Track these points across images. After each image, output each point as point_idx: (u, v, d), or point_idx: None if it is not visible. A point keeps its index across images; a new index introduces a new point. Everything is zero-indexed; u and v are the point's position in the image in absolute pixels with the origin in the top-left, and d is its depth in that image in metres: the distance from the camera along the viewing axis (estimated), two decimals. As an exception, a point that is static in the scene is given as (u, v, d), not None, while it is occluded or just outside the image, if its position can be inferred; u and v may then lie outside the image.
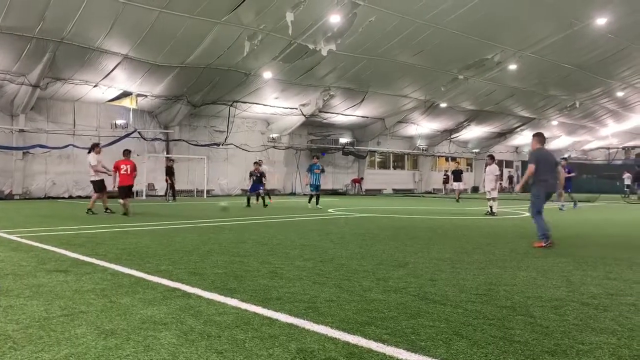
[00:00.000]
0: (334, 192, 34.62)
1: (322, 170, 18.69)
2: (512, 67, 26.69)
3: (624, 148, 48.17)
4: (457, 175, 25.67)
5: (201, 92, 25.11)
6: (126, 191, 13.85)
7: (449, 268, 5.79)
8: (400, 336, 3.24)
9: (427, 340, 3.17)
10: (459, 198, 25.42)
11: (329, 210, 16.91)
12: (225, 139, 28.87)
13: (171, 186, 23.22)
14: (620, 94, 35.06)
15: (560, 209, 16.99)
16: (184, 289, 4.55)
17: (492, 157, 15.96)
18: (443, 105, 32.68)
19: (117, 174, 13.86)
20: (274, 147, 31.42)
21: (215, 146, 28.81)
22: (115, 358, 2.84)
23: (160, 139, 27.56)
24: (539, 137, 8.56)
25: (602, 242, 8.68)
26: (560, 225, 11.44)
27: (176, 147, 27.71)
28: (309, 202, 18.32)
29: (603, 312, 3.94)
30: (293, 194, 32.73)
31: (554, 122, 40.91)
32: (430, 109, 33.19)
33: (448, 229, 10.79)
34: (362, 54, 23.53)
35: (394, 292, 4.53)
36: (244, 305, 3.96)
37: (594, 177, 42.73)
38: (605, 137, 46.89)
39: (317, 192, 18.04)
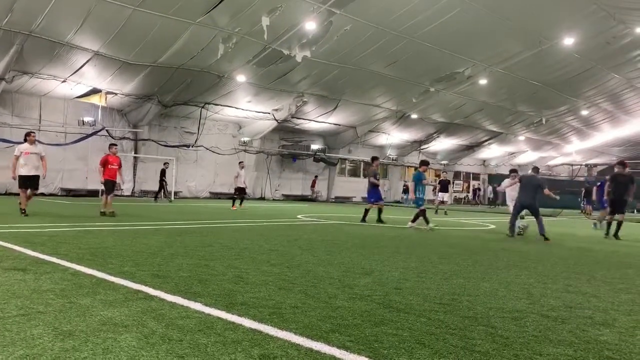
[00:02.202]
0: (303, 198, 34.62)
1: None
2: (482, 81, 27.26)
3: (586, 165, 49.59)
4: (444, 186, 25.65)
5: (172, 93, 24.83)
6: (112, 186, 13.50)
7: (415, 277, 5.85)
8: (363, 344, 3.25)
9: (390, 348, 3.19)
10: (438, 209, 24.85)
11: (298, 216, 16.89)
12: (196, 141, 28.59)
13: (162, 187, 23.87)
14: (584, 112, 36.16)
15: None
16: (146, 291, 4.47)
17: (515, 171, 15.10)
18: (414, 116, 33.10)
19: (105, 168, 13.41)
20: (245, 150, 31.25)
21: (185, 147, 28.49)
22: (72, 360, 2.77)
23: (129, 138, 27.12)
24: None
25: (563, 255, 8.90)
26: (525, 239, 11.69)
27: (145, 147, 27.30)
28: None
29: (561, 324, 4.04)
30: (262, 198, 32.59)
31: (521, 138, 41.87)
32: (401, 119, 33.58)
33: (415, 238, 10.90)
34: (336, 62, 23.68)
35: (359, 299, 4.55)
36: (208, 310, 3.92)
37: (557, 193, 43.85)
38: (569, 153, 48.22)
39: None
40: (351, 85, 26.74)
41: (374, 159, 16.31)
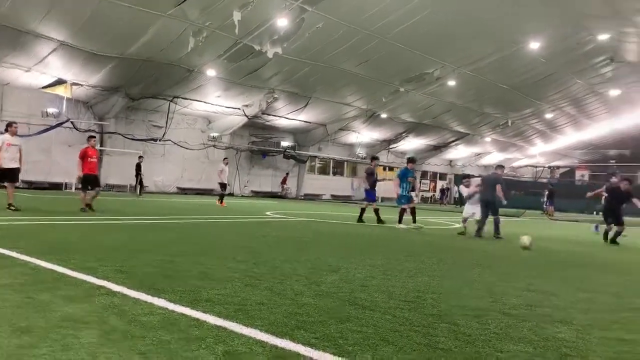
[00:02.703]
0: (273, 195, 34.52)
1: None
2: (451, 83, 27.67)
3: (549, 167, 50.88)
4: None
5: (140, 85, 24.40)
6: (93, 180, 12.85)
7: (381, 275, 5.90)
8: (328, 340, 3.26)
9: (355, 345, 3.21)
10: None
11: (267, 213, 16.83)
12: (163, 135, 28.15)
13: (140, 182, 23.66)
14: (549, 115, 37.13)
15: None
16: (109, 287, 4.38)
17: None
18: (384, 115, 33.38)
19: (84, 162, 12.63)
20: (214, 146, 30.94)
21: (152, 141, 28.01)
22: (30, 357, 2.69)
23: (94, 131, 26.48)
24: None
25: (525, 255, 9.11)
26: (489, 239, 11.92)
27: (111, 140, 26.74)
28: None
29: (522, 322, 4.13)
30: (231, 194, 32.33)
31: (487, 139, 42.70)
32: (371, 118, 33.81)
33: (382, 237, 11.00)
34: (307, 59, 23.66)
35: (326, 296, 4.56)
36: (172, 306, 3.86)
37: (521, 194, 44.72)
38: (533, 155, 49.41)
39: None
40: (322, 83, 26.77)
41: (373, 158, 16.07)
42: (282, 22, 19.94)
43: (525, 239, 9.74)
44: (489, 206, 12.37)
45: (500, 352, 3.27)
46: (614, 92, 32.88)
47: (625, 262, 9.08)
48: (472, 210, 12.86)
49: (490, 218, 12.23)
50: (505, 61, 25.50)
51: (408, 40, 22.26)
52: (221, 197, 20.29)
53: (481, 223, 12.29)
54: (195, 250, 6.98)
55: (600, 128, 42.40)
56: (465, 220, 12.96)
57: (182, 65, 23.03)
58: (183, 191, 29.72)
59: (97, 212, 12.30)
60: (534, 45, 23.58)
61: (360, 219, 14.57)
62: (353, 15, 20.19)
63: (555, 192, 31.42)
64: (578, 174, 48.60)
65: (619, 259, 9.59)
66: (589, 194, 16.72)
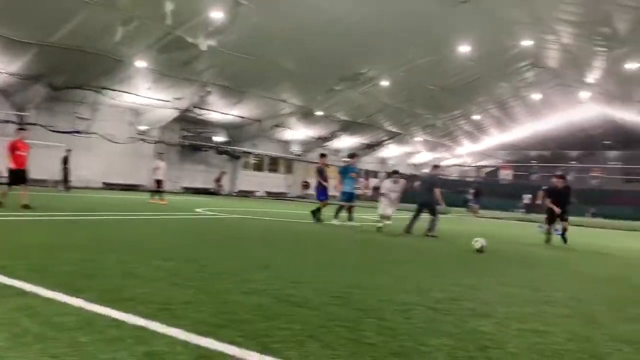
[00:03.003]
0: (205, 192, 33.87)
1: None
2: (384, 83, 28.22)
3: (476, 166, 53.06)
4: None
5: (64, 75, 23.19)
6: (22, 176, 11.87)
7: (312, 271, 5.90)
8: (253, 338, 3.21)
9: (280, 342, 3.18)
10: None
11: (198, 210, 16.47)
12: (89, 128, 26.89)
13: (65, 176, 22.71)
14: (475, 117, 38.69)
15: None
16: (21, 287, 4.10)
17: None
18: (318, 113, 33.55)
19: (13, 155, 11.72)
20: (143, 140, 29.91)
21: (76, 134, 26.69)
22: None
23: (13, 122, 24.91)
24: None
25: (453, 251, 9.42)
26: (419, 236, 12.23)
27: (31, 132, 25.20)
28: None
29: (445, 315, 4.25)
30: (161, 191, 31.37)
31: (418, 139, 43.94)
32: (306, 115, 33.90)
33: (317, 233, 11.03)
34: (242, 54, 23.35)
35: (254, 294, 4.50)
36: (90, 306, 3.67)
37: (449, 192, 46.41)
38: (460, 155, 51.37)
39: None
40: (257, 78, 26.53)
41: (322, 155, 15.26)
42: (217, 14, 19.57)
43: (478, 243, 9.11)
44: (426, 207, 12.42)
45: (424, 346, 3.34)
46: (535, 96, 34.72)
47: (545, 258, 9.58)
48: (389, 207, 12.72)
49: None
50: (436, 64, 26.32)
51: (343, 39, 22.47)
52: (155, 193, 19.66)
53: (412, 222, 12.42)
54: (120, 248, 6.70)
55: (523, 130, 44.71)
56: (382, 217, 12.63)
57: (110, 55, 22.11)
58: (109, 186, 28.55)
59: (34, 208, 11.45)
60: (464, 49, 24.46)
61: (317, 218, 13.98)
62: (289, 12, 20.14)
63: (480, 191, 32.82)
64: (502, 173, 50.95)
65: (541, 254, 10.11)
66: (537, 201, 16.94)
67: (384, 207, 12.83)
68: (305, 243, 8.84)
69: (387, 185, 13.21)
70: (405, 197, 13.80)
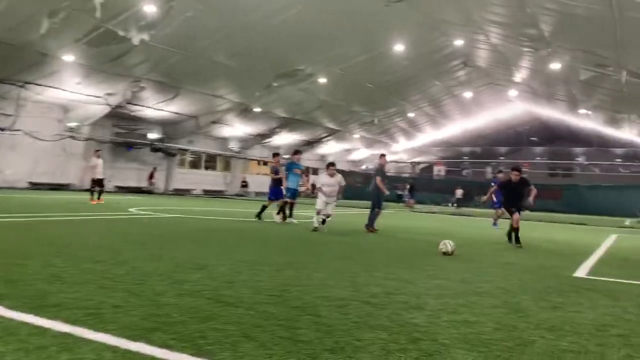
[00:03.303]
0: (139, 190, 32.83)
1: None
2: (322, 80, 28.35)
3: (411, 163, 54.43)
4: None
5: (-17, 68, 21.76)
6: None
7: (248, 270, 5.85)
8: (187, 341, 3.14)
9: (215, 343, 3.13)
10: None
11: (131, 209, 15.95)
12: (13, 124, 25.39)
13: None
14: (411, 115, 39.63)
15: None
16: None
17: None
18: (257, 109, 33.26)
19: None
20: (71, 137, 28.58)
21: (-1, 131, 25.16)
22: None
23: None
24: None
25: (390, 246, 9.61)
26: (357, 231, 12.40)
27: (-53, 129, 23.56)
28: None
29: (380, 309, 4.33)
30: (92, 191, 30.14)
31: (356, 135, 44.51)
32: (244, 112, 33.52)
33: (253, 231, 10.95)
34: (177, 49, 22.75)
35: (188, 295, 4.40)
36: (10, 314, 3.47)
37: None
38: (397, 152, 52.52)
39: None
40: (193, 74, 25.93)
41: (274, 154, 15.09)
42: (150, 8, 18.95)
43: (446, 246, 8.42)
44: (372, 199, 12.52)
45: (358, 341, 3.38)
46: (467, 94, 35.98)
47: (475, 250, 9.93)
48: (326, 203, 11.80)
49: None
50: (372, 62, 26.70)
51: (280, 35, 22.36)
52: (93, 193, 18.84)
53: (371, 215, 12.34)
54: (48, 251, 6.38)
55: (455, 127, 46.23)
56: (319, 212, 11.76)
57: (35, 48, 20.93)
58: (35, 186, 27.09)
59: None
60: (399, 47, 24.96)
61: (287, 216, 13.89)
62: (225, 7, 19.81)
63: (415, 186, 33.76)
64: (436, 169, 52.57)
65: (471, 246, 10.47)
66: (484, 198, 17.58)
67: (320, 202, 11.82)
68: (242, 242, 8.75)
69: (322, 179, 12.19)
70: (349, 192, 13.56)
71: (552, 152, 52.25)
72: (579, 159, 47.97)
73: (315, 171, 51.12)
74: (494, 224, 16.79)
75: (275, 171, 14.31)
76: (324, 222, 11.69)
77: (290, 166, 13.87)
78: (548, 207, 35.64)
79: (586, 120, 35.94)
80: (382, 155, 13.24)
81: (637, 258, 10.05)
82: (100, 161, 19.26)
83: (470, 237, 12.77)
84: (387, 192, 12.72)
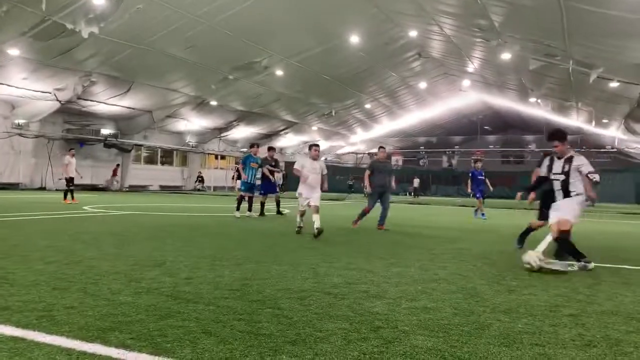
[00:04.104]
0: (93, 188, 31.92)
1: None
2: (279, 73, 28.18)
3: (369, 154, 54.89)
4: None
5: None
6: None
7: (207, 265, 5.78)
8: (145, 340, 3.08)
9: (174, 341, 3.08)
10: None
11: (85, 207, 15.49)
12: (-45, 122, 24.24)
13: None
14: (368, 106, 39.91)
15: None
16: None
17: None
18: (213, 103, 32.81)
19: None
20: (20, 134, 27.50)
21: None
22: None
23: None
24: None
25: (347, 235, 9.66)
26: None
27: None
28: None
29: (341, 300, 4.35)
30: (43, 188, 29.16)
31: (314, 128, 44.52)
32: (200, 105, 33.00)
33: (212, 226, 10.82)
34: (128, 42, 22.14)
35: (146, 293, 4.32)
36: (-44, 320, 3.32)
37: (345, 179, 47.63)
38: (355, 143, 52.86)
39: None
40: (145, 67, 25.32)
41: (269, 149, 15.02)
42: (98, 0, 18.35)
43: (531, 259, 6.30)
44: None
45: (320, 332, 3.40)
46: (422, 85, 36.48)
47: (432, 237, 10.12)
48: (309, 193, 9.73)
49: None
50: (328, 54, 26.70)
51: (235, 27, 22.07)
52: (67, 192, 18.24)
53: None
54: (-7, 253, 6.13)
55: (411, 117, 46.86)
56: (302, 213, 10.00)
57: (-23, 42, 20.00)
58: (-18, 186, 26.00)
59: None
60: (354, 39, 25.04)
61: (279, 212, 14.16)
62: (177, -2, 19.39)
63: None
64: (393, 159, 53.19)
65: (420, 235, 10.66)
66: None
67: (302, 188, 9.74)
68: (200, 237, 8.63)
69: (302, 161, 9.96)
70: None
71: (504, 140, 53.70)
72: (530, 146, 49.45)
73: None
74: (482, 214, 16.63)
75: (266, 165, 14.31)
76: (319, 233, 8.99)
77: (247, 160, 13.83)
78: (503, 194, 36.69)
79: (536, 109, 37.04)
80: (382, 147, 12.05)
81: (585, 242, 10.46)
82: (73, 160, 18.65)
83: (424, 226, 13.00)
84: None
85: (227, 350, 2.95)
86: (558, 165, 6.77)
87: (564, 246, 6.64)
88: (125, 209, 15.18)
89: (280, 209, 14.60)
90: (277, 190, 14.69)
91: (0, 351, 2.79)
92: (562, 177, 6.67)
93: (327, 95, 35.36)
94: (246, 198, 13.79)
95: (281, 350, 2.99)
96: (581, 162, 6.57)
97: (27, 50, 21.47)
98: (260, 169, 14.09)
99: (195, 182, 40.60)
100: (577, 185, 6.58)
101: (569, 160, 6.67)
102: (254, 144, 14.61)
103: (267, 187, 14.36)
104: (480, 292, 4.87)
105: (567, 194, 6.60)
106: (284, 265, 6.00)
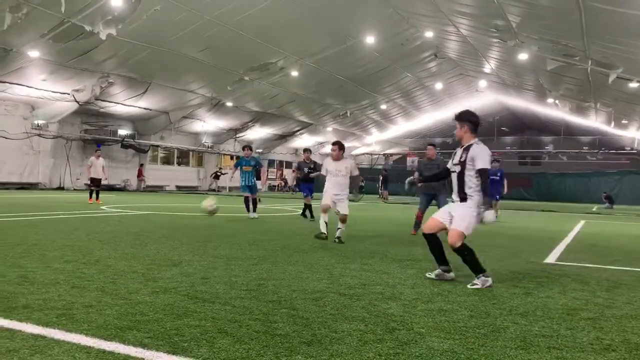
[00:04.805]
0: (111, 188, 32.27)
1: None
2: (294, 73, 28.23)
3: (384, 154, 54.72)
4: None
5: (-57, 65, 21.05)
6: None
7: (223, 265, 5.82)
8: (162, 339, 3.11)
9: (191, 340, 3.10)
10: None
11: (103, 207, 15.68)
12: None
13: None
14: (383, 106, 39.79)
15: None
16: None
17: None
18: (229, 104, 32.98)
19: None
20: (39, 135, 27.92)
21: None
22: None
23: None
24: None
25: (361, 237, 9.64)
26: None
27: None
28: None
29: (356, 301, 4.35)
30: (62, 188, 29.56)
31: (329, 129, 44.52)
32: (216, 106, 33.20)
33: (227, 226, 10.88)
34: (145, 43, 22.36)
35: (163, 292, 4.36)
36: (-22, 318, 3.38)
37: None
38: (370, 144, 52.74)
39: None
40: (163, 69, 25.55)
41: (304, 150, 14.61)
42: (116, 1, 18.55)
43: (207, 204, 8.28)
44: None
45: (335, 333, 3.40)
46: (438, 86, 36.28)
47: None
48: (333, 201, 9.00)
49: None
50: (343, 54, 26.68)
51: (251, 29, 22.16)
52: (92, 192, 18.38)
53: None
54: (15, 251, 6.23)
55: (427, 118, 46.62)
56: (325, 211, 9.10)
57: (-2, 44, 20.34)
58: (3, 186, 26.41)
59: None
60: (369, 40, 24.99)
61: (303, 214, 13.67)
62: (193, 0, 19.53)
63: (388, 178, 33.95)
64: (409, 160, 52.94)
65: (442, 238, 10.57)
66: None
67: (325, 197, 8.91)
68: (216, 238, 8.69)
69: (326, 164, 9.17)
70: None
71: (522, 141, 53.15)
72: (548, 147, 48.89)
73: (288, 165, 51.08)
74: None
75: (299, 167, 14.12)
76: (339, 240, 8.44)
77: (239, 163, 13.84)
78: (519, 196, 36.35)
79: (554, 110, 36.62)
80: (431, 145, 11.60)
81: (604, 244, 10.33)
82: (100, 161, 18.80)
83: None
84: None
85: (243, 350, 2.97)
86: (457, 155, 5.58)
87: (462, 257, 5.53)
88: (142, 209, 15.33)
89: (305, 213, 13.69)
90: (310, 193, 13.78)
91: (22, 348, 2.84)
92: (458, 168, 5.41)
93: (342, 96, 35.33)
94: (250, 199, 13.62)
95: (297, 351, 3.00)
96: (477, 153, 5.33)
97: (46, 52, 21.79)
98: (253, 170, 13.81)
99: (211, 175, 40.02)
100: (473, 182, 5.32)
101: (467, 149, 5.42)
102: (245, 146, 14.49)
103: (307, 188, 13.71)
104: (496, 295, 4.83)
105: (462, 194, 5.37)
106: (299, 265, 6.02)
